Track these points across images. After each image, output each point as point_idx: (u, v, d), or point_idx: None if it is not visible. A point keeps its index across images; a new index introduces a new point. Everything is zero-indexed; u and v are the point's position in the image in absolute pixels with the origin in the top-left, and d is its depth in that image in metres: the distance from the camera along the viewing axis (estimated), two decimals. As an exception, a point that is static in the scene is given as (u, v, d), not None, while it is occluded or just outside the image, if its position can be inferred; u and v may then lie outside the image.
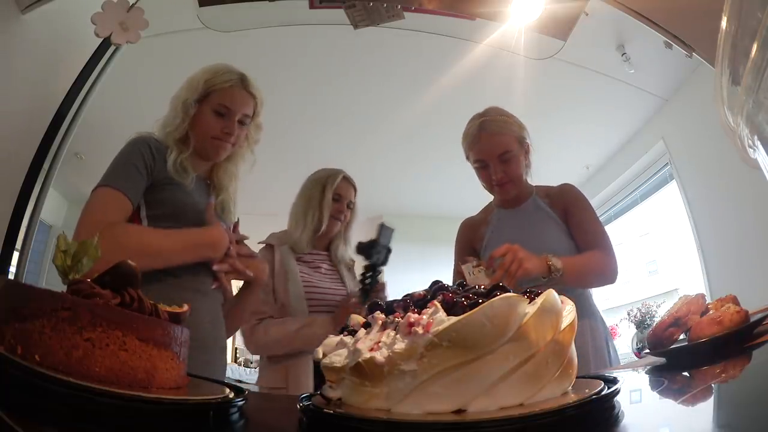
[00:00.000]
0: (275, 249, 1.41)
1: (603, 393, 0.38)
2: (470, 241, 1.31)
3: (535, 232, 1.25)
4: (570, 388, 0.42)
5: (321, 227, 1.42)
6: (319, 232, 1.43)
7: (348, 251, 1.52)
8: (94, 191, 0.94)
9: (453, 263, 1.30)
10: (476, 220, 1.35)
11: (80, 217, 0.92)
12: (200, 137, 1.06)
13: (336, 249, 1.50)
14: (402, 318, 0.41)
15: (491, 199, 1.36)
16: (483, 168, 1.24)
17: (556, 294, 0.42)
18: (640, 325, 2.75)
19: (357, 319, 0.53)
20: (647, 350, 0.74)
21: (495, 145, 1.21)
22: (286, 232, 1.47)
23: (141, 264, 0.51)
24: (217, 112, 1.06)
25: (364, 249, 1.35)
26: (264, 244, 1.44)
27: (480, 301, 0.38)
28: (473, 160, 1.26)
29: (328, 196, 1.42)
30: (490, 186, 1.26)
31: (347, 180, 1.50)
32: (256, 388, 1.44)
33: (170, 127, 1.05)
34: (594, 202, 3.17)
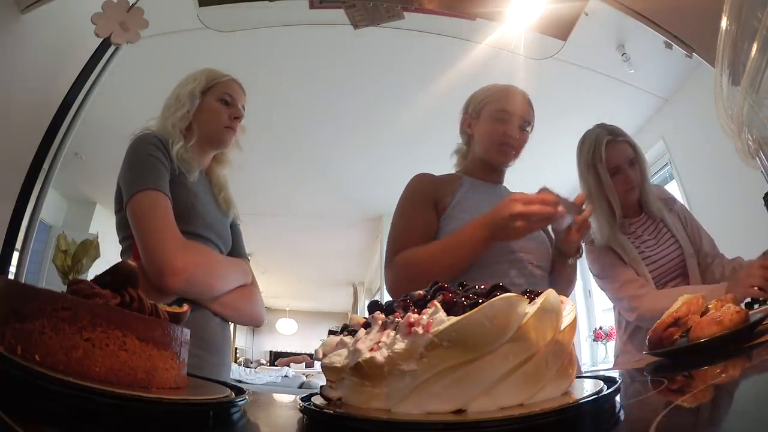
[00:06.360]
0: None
1: (603, 393, 0.38)
2: (433, 196, 1.19)
3: None
4: (570, 388, 0.42)
5: (616, 211, 1.31)
6: (617, 214, 1.32)
7: (657, 201, 1.37)
8: (135, 197, 0.91)
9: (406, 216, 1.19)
10: (442, 179, 1.24)
11: (138, 228, 0.90)
12: (210, 125, 1.10)
13: (647, 204, 1.37)
14: (402, 318, 0.41)
15: None
16: (503, 122, 1.18)
17: (556, 294, 0.42)
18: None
19: (357, 319, 0.53)
20: (647, 350, 0.74)
21: (529, 111, 1.19)
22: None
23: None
24: (223, 100, 1.12)
25: None
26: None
27: (480, 301, 0.38)
28: (504, 110, 1.18)
29: (603, 175, 1.32)
30: (505, 137, 1.18)
31: (611, 144, 1.36)
32: (256, 388, 1.44)
33: (175, 118, 1.06)
34: (594, 202, 3.17)
